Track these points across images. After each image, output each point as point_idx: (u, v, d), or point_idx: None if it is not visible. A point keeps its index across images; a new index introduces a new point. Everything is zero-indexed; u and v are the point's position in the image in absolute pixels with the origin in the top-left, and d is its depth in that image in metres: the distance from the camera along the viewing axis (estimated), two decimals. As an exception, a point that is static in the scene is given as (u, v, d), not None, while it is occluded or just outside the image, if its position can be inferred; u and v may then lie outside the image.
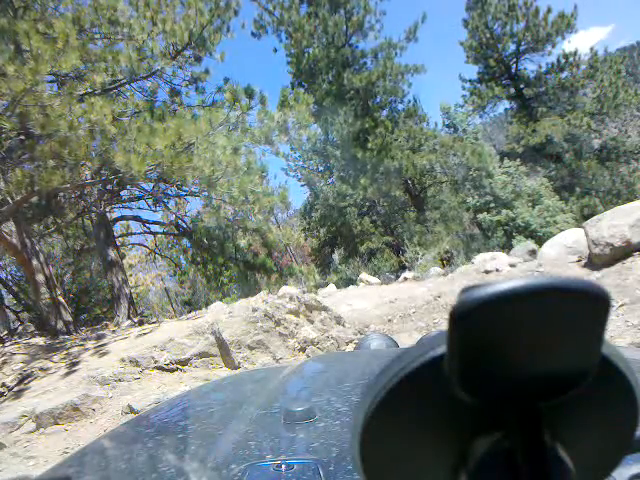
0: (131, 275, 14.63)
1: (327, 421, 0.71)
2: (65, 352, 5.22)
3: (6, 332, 6.99)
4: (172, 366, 4.39)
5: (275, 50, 17.27)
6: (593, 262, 5.70)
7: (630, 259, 5.25)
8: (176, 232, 9.70)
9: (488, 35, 17.48)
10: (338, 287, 10.31)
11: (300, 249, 18.23)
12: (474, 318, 0.21)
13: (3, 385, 4.50)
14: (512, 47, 17.72)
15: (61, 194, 7.33)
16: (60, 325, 6.63)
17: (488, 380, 0.23)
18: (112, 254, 8.51)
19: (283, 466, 0.57)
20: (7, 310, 9.17)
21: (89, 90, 6.12)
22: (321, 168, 18.17)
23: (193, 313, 6.73)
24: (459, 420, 0.24)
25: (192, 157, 5.74)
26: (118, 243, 9.78)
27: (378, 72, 15.78)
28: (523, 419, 0.24)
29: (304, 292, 5.75)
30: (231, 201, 7.04)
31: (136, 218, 9.66)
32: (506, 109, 19.38)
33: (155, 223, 9.80)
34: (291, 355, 4.45)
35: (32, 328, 7.49)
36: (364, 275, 10.69)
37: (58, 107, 4.81)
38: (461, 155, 15.28)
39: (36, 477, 0.58)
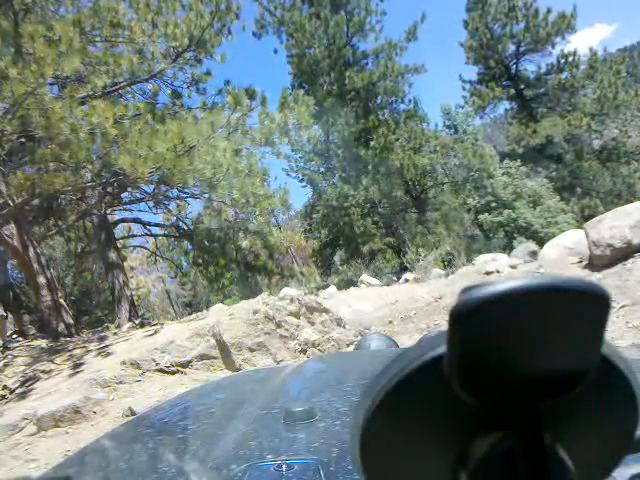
0: (132, 277, 14.62)
1: (327, 421, 0.71)
2: (66, 354, 5.22)
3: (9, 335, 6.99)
4: (173, 368, 4.38)
5: (275, 51, 17.34)
6: (594, 263, 5.68)
7: (631, 260, 5.23)
8: (177, 234, 9.69)
9: (488, 36, 17.49)
10: (339, 288, 10.29)
11: (301, 250, 18.22)
12: (474, 318, 0.21)
13: (5, 387, 4.50)
14: (512, 48, 17.74)
15: (62, 197, 7.33)
16: (61, 327, 6.62)
17: (488, 380, 0.23)
18: (113, 256, 8.51)
19: (284, 466, 0.57)
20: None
21: (90, 93, 6.12)
22: (322, 169, 18.18)
23: (194, 315, 6.71)
24: (459, 420, 0.24)
25: (193, 159, 5.73)
26: (119, 245, 9.78)
27: (379, 72, 15.83)
28: (523, 419, 0.24)
29: (305, 294, 5.74)
30: (232, 203, 7.03)
31: (137, 220, 9.66)
32: (506, 110, 19.40)
33: (156, 225, 9.79)
34: (292, 357, 4.44)
35: (33, 330, 7.49)
36: (365, 276, 10.69)
37: (59, 110, 4.81)
38: (462, 156, 15.30)
39: (37, 477, 0.58)
